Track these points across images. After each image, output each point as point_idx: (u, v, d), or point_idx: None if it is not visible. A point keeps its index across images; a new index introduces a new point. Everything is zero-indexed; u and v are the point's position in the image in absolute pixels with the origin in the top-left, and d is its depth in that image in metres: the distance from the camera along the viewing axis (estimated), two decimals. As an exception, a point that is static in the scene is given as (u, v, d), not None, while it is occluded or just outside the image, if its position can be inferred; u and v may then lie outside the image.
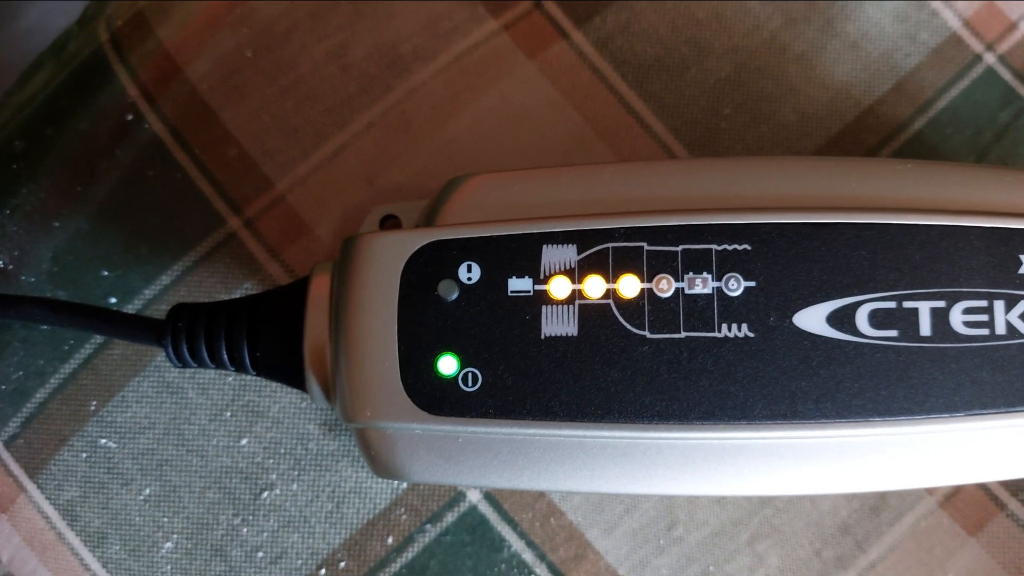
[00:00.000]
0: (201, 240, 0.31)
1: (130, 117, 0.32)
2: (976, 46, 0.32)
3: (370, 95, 0.31)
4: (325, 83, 0.31)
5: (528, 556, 0.29)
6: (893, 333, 0.24)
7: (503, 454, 0.24)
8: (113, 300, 0.31)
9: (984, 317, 0.24)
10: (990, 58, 0.32)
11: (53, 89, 0.33)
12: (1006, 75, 0.32)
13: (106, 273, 0.31)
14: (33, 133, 0.32)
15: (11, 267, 0.31)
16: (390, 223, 0.29)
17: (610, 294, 0.24)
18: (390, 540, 0.29)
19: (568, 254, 0.25)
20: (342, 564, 0.29)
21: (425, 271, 0.25)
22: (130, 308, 0.31)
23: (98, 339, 0.30)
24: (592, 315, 0.24)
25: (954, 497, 0.29)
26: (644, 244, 0.24)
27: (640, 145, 0.31)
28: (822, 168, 0.26)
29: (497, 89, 0.31)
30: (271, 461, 0.30)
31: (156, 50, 0.32)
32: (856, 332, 0.24)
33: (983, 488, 0.29)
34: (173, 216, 0.31)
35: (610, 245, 0.24)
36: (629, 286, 0.24)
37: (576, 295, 0.24)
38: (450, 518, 0.30)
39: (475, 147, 0.31)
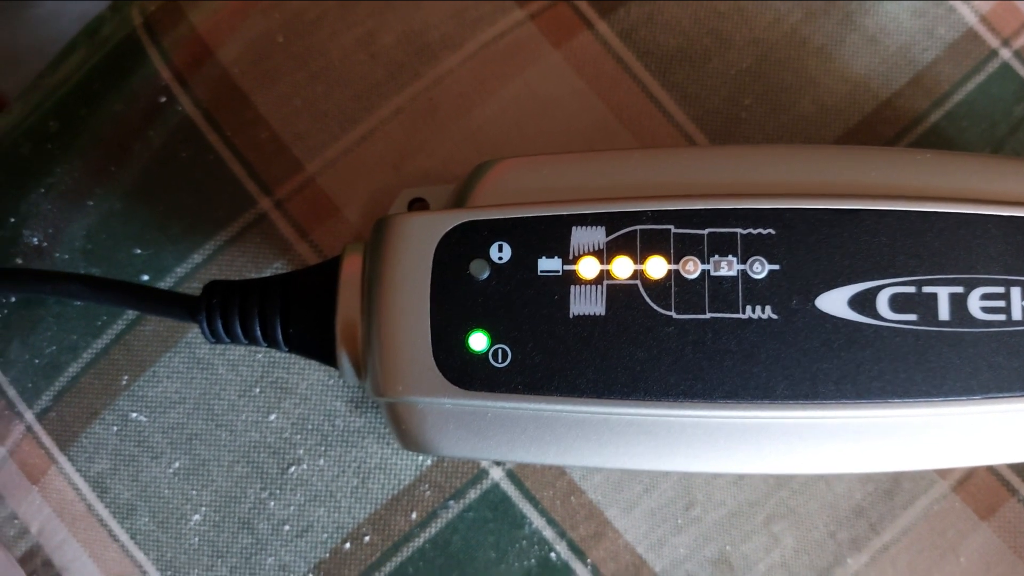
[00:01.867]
0: (232, 220, 0.31)
1: (163, 99, 0.32)
2: (992, 41, 0.32)
3: (398, 82, 0.32)
4: (354, 69, 0.32)
5: (549, 533, 0.30)
6: (912, 317, 0.25)
7: (530, 429, 0.25)
8: (145, 278, 0.31)
9: (1001, 303, 0.25)
10: (1006, 53, 0.32)
11: (87, 71, 0.33)
12: (1021, 70, 0.32)
13: (139, 251, 0.31)
14: (67, 114, 0.33)
15: (45, 244, 0.32)
16: (417, 206, 0.30)
17: (637, 275, 0.25)
18: (414, 515, 0.30)
19: (597, 236, 0.25)
20: (367, 538, 0.30)
21: (457, 251, 0.25)
22: (162, 286, 0.31)
23: (130, 315, 0.31)
24: (619, 295, 0.25)
25: (967, 482, 0.30)
26: (671, 227, 0.25)
27: (662, 134, 0.32)
28: (844, 156, 0.26)
29: (523, 78, 0.32)
30: (299, 436, 0.30)
31: (189, 34, 0.33)
32: (876, 316, 0.25)
33: (995, 473, 0.30)
34: (205, 197, 0.31)
35: (638, 227, 0.25)
36: (656, 267, 0.25)
37: (604, 275, 0.25)
38: (473, 495, 0.30)
39: (500, 135, 0.32)
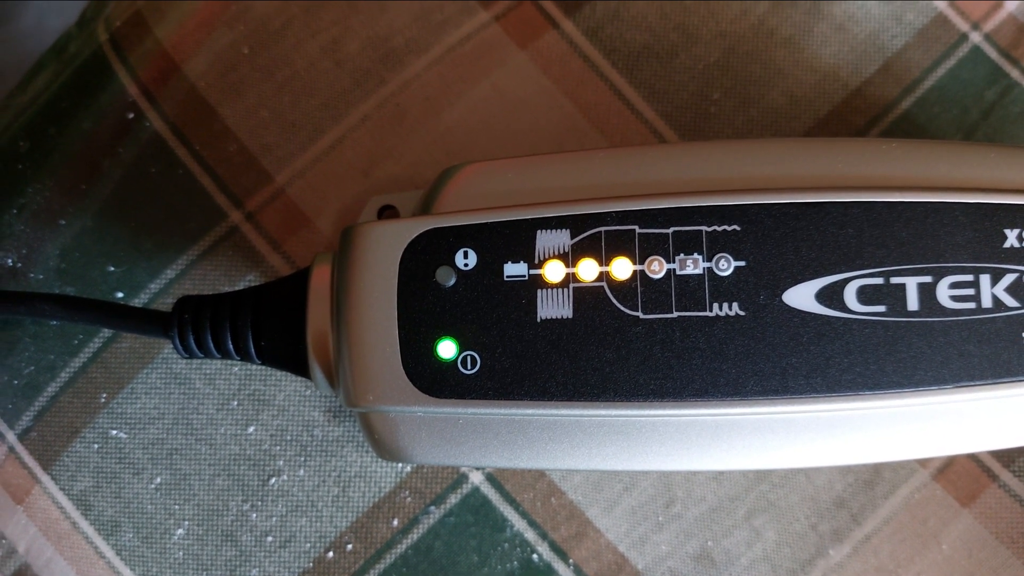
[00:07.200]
0: (204, 234, 0.31)
1: (131, 116, 0.32)
2: (962, 25, 0.32)
3: (364, 88, 0.32)
4: (320, 78, 0.32)
5: (530, 535, 0.30)
6: (881, 308, 0.25)
7: (502, 434, 0.25)
8: (120, 295, 0.31)
9: (970, 291, 0.25)
10: (976, 37, 0.32)
11: (55, 90, 0.33)
12: (992, 53, 0.32)
13: (112, 269, 0.31)
14: (36, 133, 0.33)
15: (19, 265, 0.32)
16: (387, 213, 0.30)
17: (603, 277, 0.25)
18: (395, 522, 0.30)
19: (562, 238, 0.25)
20: (349, 546, 0.30)
21: (423, 258, 0.25)
22: (136, 302, 0.31)
23: (107, 333, 0.31)
24: (586, 297, 0.25)
25: (947, 469, 0.30)
26: (636, 227, 0.25)
27: (631, 131, 0.32)
28: (809, 149, 0.26)
29: (489, 80, 0.32)
30: (278, 448, 0.31)
31: (155, 49, 0.33)
32: (845, 308, 0.25)
33: (975, 460, 0.30)
34: (176, 211, 0.32)
35: (603, 229, 0.25)
36: (622, 268, 0.25)
37: (570, 278, 0.25)
38: (453, 500, 0.30)
39: (469, 137, 0.32)
